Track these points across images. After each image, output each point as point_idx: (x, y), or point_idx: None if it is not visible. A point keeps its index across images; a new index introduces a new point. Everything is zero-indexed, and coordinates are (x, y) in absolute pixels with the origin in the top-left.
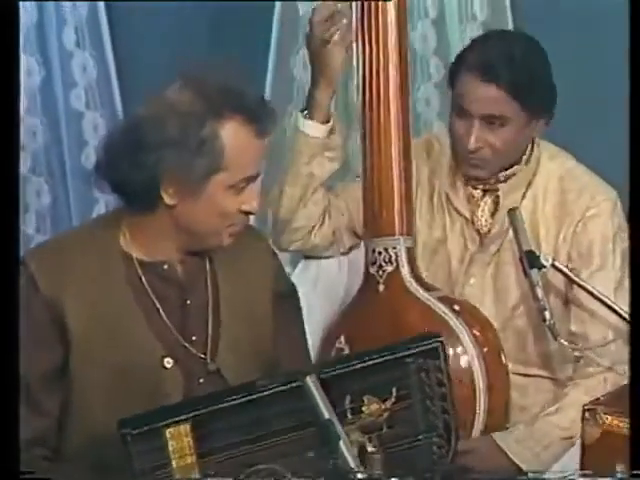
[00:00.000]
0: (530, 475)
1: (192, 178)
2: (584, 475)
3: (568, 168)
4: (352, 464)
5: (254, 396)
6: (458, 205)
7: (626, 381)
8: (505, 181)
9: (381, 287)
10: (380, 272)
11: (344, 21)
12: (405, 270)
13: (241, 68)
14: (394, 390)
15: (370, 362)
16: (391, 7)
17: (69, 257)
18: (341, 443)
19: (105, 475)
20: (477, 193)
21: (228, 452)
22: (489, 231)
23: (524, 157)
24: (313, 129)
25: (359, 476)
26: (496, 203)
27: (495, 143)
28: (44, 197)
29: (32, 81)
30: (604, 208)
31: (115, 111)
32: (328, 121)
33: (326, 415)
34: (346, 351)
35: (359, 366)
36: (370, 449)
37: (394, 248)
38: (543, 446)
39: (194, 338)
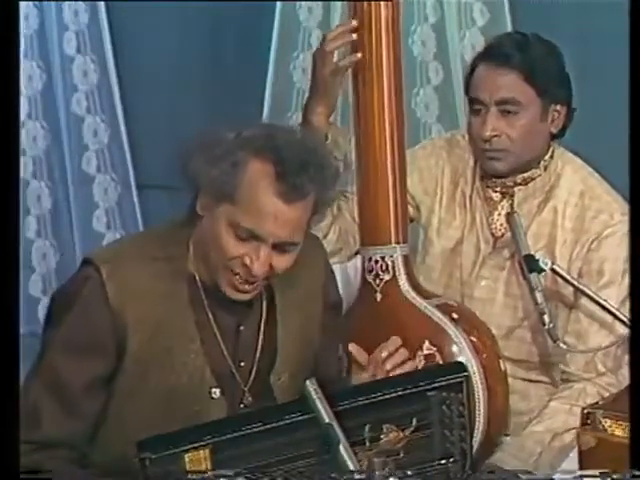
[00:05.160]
0: (523, 476)
1: (211, 193)
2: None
3: (590, 185)
4: (352, 467)
5: (274, 424)
6: (477, 205)
7: (608, 393)
8: (522, 184)
9: (378, 296)
10: (377, 281)
11: (359, 55)
12: (402, 278)
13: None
14: (414, 421)
15: (393, 394)
16: (384, 7)
17: (139, 272)
18: (341, 447)
19: None
20: (496, 196)
21: (246, 478)
22: (502, 235)
23: (542, 162)
24: None
25: (357, 476)
26: (512, 208)
27: (510, 131)
28: (45, 201)
29: (33, 86)
30: (620, 228)
31: (116, 116)
32: (326, 139)
33: (326, 419)
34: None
35: (381, 398)
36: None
37: (391, 257)
38: (537, 454)
39: (242, 364)
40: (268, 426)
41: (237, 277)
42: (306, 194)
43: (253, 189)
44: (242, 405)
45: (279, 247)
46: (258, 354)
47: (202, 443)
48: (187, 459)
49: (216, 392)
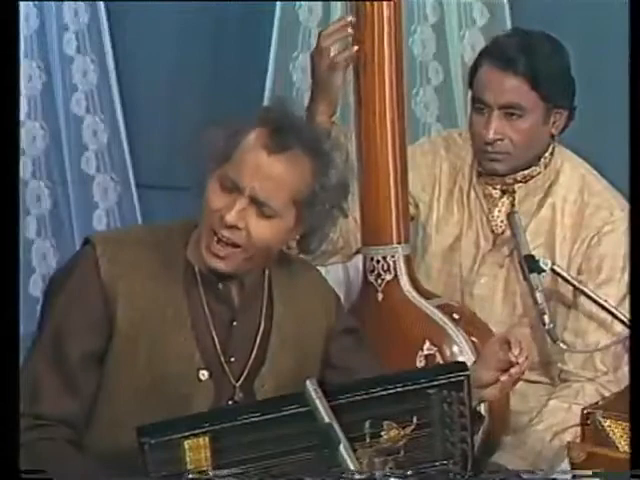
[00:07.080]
0: (525, 476)
1: (215, 156)
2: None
3: (589, 181)
4: (352, 467)
5: (274, 414)
6: (476, 202)
7: (609, 392)
8: (522, 181)
9: (380, 295)
10: (379, 280)
11: (355, 48)
12: (404, 278)
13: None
14: (415, 418)
15: (393, 390)
16: (386, 7)
17: (136, 253)
18: (341, 447)
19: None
20: (495, 193)
21: (244, 467)
22: (502, 232)
23: (543, 160)
24: None
25: (357, 476)
26: (513, 205)
27: (513, 135)
28: (44, 201)
29: (33, 86)
30: (620, 225)
31: (115, 116)
32: (329, 137)
33: (326, 419)
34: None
35: (382, 393)
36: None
37: (392, 256)
38: (538, 452)
39: (232, 359)
40: (268, 416)
41: (215, 243)
42: (290, 147)
43: (246, 147)
44: (231, 402)
45: (257, 204)
46: (252, 357)
47: (202, 430)
48: (186, 446)
49: (204, 374)
